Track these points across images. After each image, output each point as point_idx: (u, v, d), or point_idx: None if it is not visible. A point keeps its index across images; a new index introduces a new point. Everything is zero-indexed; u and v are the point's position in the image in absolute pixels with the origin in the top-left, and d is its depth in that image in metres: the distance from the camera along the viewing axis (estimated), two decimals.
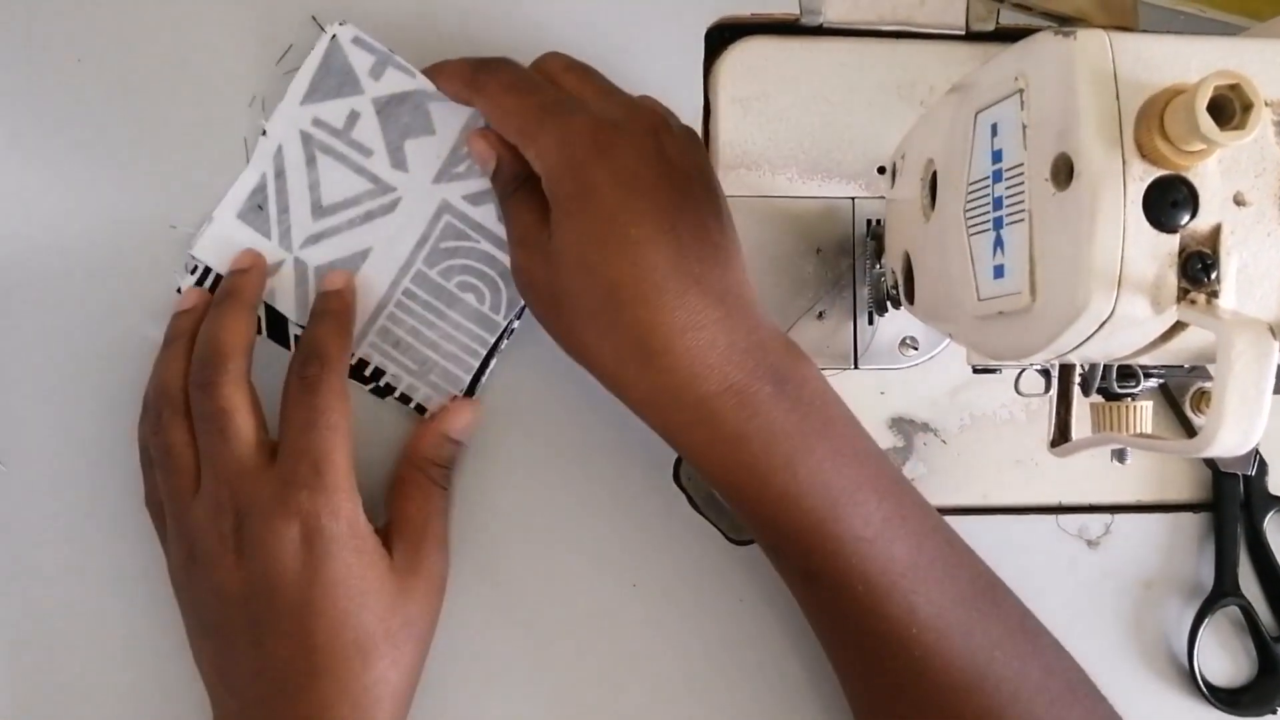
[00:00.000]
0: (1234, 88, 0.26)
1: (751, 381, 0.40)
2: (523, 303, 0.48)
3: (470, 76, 0.45)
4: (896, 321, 0.50)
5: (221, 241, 0.47)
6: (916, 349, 0.51)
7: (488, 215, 0.48)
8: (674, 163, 0.42)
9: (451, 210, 0.48)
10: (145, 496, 0.46)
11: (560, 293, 0.42)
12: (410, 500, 0.45)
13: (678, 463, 0.50)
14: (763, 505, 0.42)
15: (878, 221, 0.50)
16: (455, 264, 0.48)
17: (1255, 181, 0.29)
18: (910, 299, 0.42)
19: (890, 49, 0.52)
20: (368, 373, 0.48)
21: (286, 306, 0.47)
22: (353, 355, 0.47)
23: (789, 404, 0.41)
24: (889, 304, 0.48)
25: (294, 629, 0.41)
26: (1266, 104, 0.28)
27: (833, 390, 0.43)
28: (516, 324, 0.48)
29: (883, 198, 0.51)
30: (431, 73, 0.47)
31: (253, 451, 0.42)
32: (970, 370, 0.45)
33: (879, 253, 0.49)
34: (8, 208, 0.48)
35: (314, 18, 0.47)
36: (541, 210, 0.43)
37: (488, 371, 0.48)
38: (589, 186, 0.41)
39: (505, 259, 0.48)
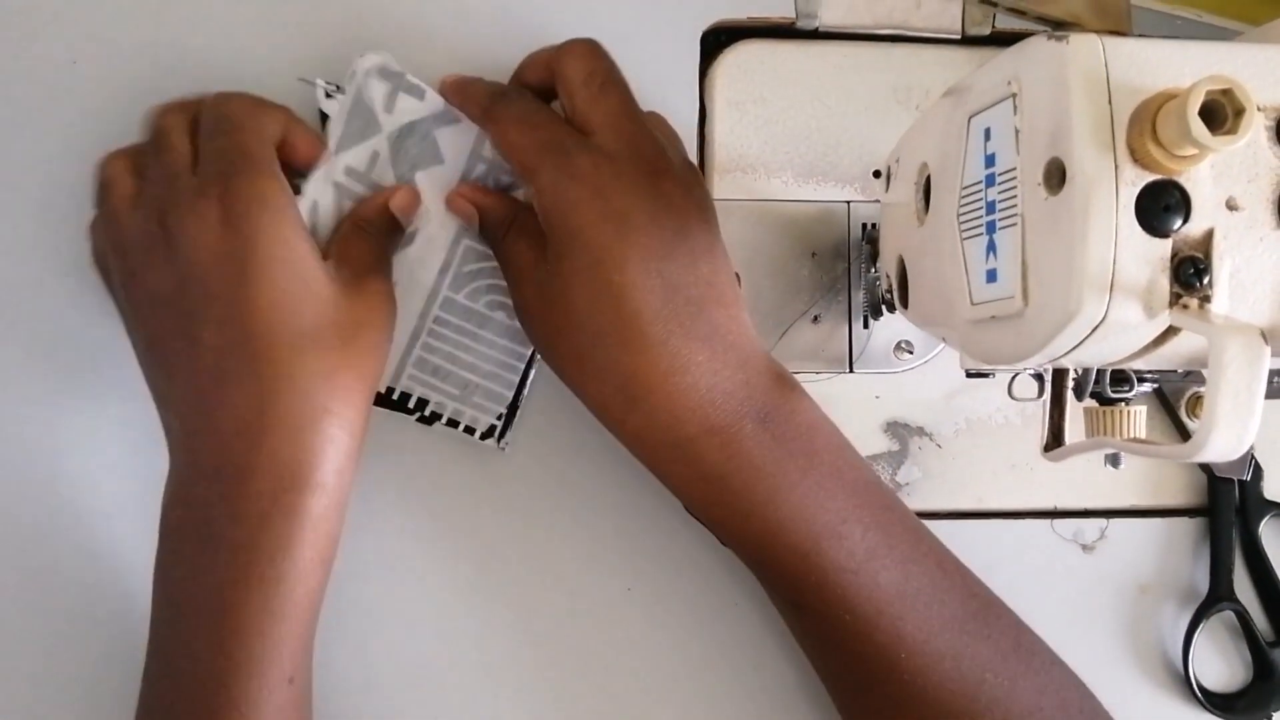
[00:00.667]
0: (1226, 93, 0.26)
1: (733, 422, 0.41)
2: None
3: (486, 104, 0.45)
4: (891, 326, 0.50)
5: None
6: (911, 353, 0.51)
7: None
8: (670, 202, 0.42)
9: (469, 234, 0.48)
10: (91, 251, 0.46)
11: (554, 330, 0.43)
12: (351, 245, 0.44)
13: None
14: (746, 540, 0.43)
15: (873, 225, 0.50)
16: (480, 285, 0.48)
17: (1248, 186, 0.29)
18: (905, 303, 0.42)
19: (886, 53, 0.52)
20: (411, 404, 0.48)
21: None
22: (394, 390, 0.48)
23: (771, 441, 0.41)
24: (884, 308, 0.48)
25: (227, 314, 0.40)
26: (1259, 109, 0.29)
27: (825, 420, 0.43)
28: None
29: (878, 202, 0.51)
30: (452, 89, 0.47)
31: (184, 159, 0.42)
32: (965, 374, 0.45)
33: (874, 257, 0.48)
34: (2, 210, 0.48)
35: (301, 79, 0.47)
36: (538, 247, 0.43)
37: (528, 382, 0.49)
38: (579, 229, 0.41)
39: None
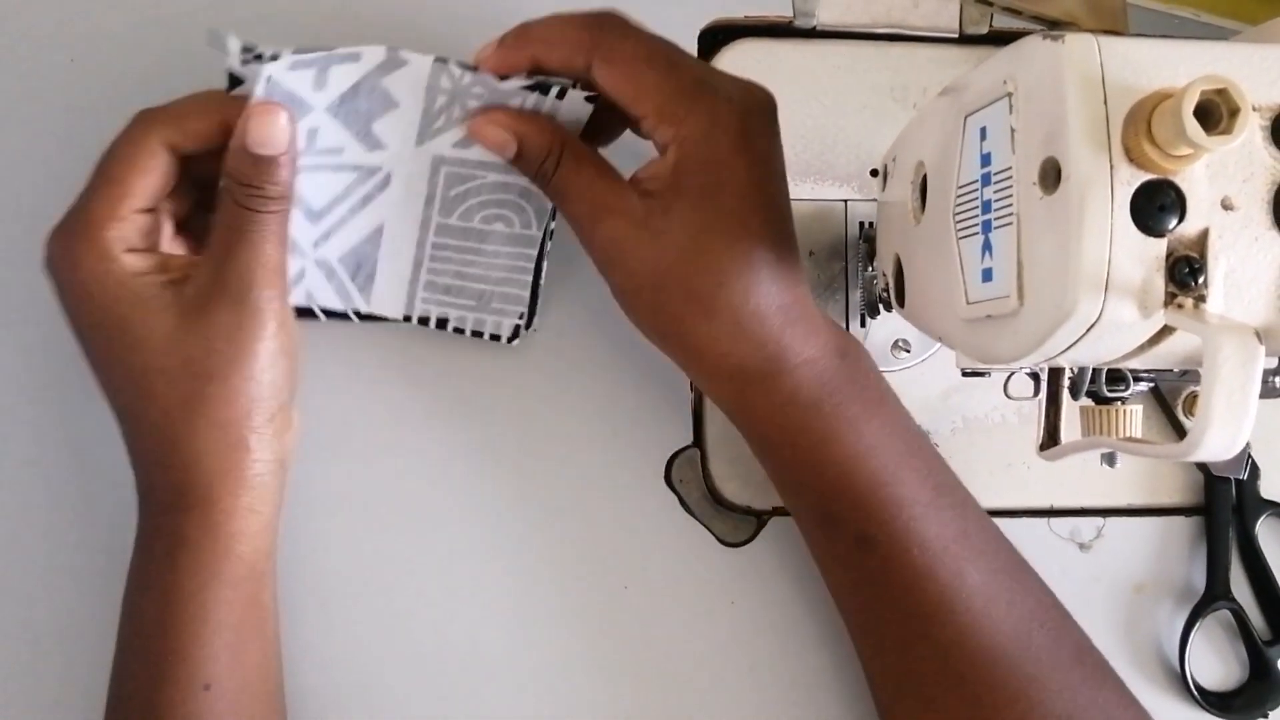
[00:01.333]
0: (1221, 92, 0.26)
1: (824, 354, 0.42)
2: (551, 206, 0.47)
3: (589, 42, 0.41)
4: (888, 324, 0.50)
5: None
6: (909, 351, 0.51)
7: (482, 151, 0.46)
8: (782, 153, 0.43)
9: (447, 161, 0.46)
10: None
11: (663, 271, 0.41)
12: (218, 226, 0.42)
13: (669, 465, 0.50)
14: (825, 469, 0.43)
15: (869, 224, 0.50)
16: (472, 204, 0.47)
17: (1243, 186, 0.29)
18: (901, 302, 0.42)
19: (884, 51, 0.52)
20: (432, 325, 0.49)
21: (331, 301, 0.48)
22: (410, 318, 0.49)
23: (852, 374, 0.43)
24: (880, 307, 0.48)
25: (94, 374, 0.42)
26: (1254, 108, 0.29)
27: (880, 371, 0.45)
28: (553, 225, 0.48)
29: (875, 200, 0.51)
30: (513, 42, 0.42)
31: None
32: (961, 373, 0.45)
33: (870, 255, 0.49)
34: (6, 210, 0.48)
35: (211, 39, 0.40)
36: (609, 175, 0.43)
37: (544, 274, 0.49)
38: (724, 180, 0.41)
39: (515, 180, 0.47)
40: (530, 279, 0.49)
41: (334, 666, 0.47)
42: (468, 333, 0.49)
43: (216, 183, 0.42)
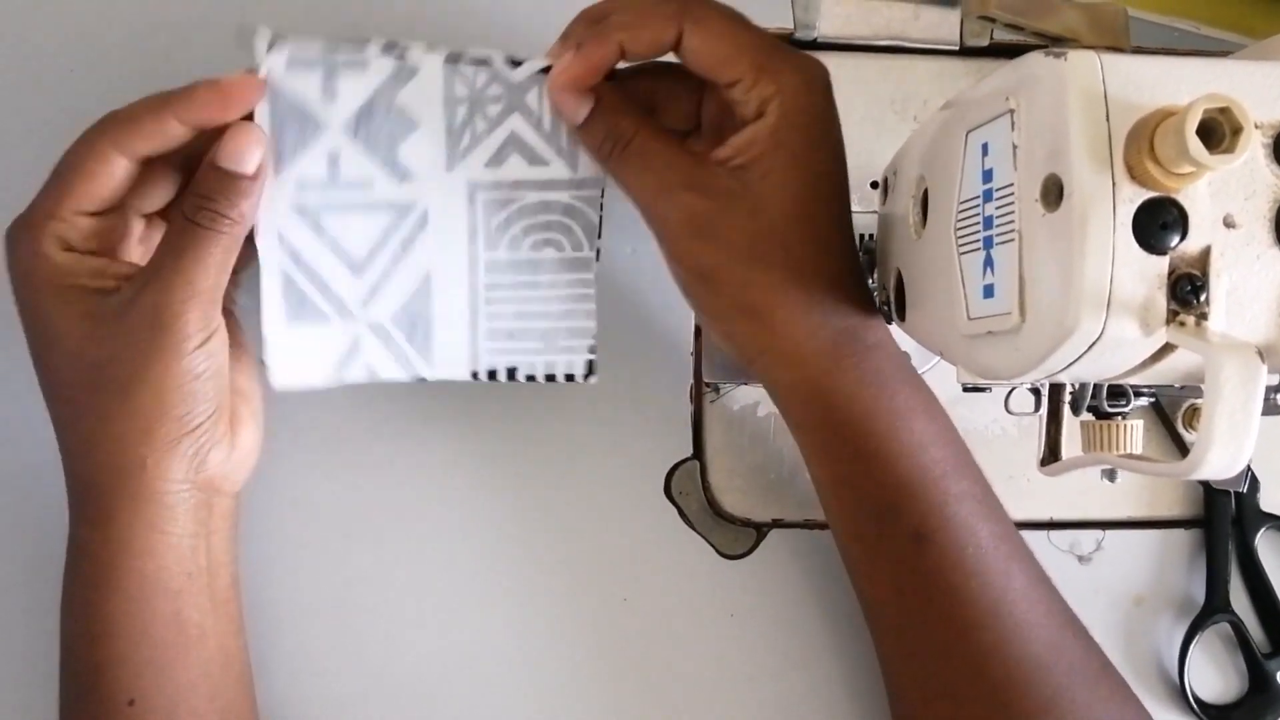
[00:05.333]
0: (1224, 111, 0.26)
1: (889, 339, 0.42)
2: (598, 222, 0.45)
3: (677, 12, 0.40)
4: None
5: (291, 354, 0.43)
6: None
7: (517, 168, 0.44)
8: None
9: (482, 186, 0.44)
10: None
11: (761, 240, 0.40)
12: (161, 241, 0.41)
13: (669, 477, 0.50)
14: (891, 458, 0.41)
15: (870, 237, 0.50)
16: (516, 231, 0.45)
17: (1245, 204, 0.29)
18: (901, 316, 0.42)
19: (884, 64, 0.52)
20: (502, 377, 0.45)
21: (392, 372, 0.45)
22: (477, 374, 0.45)
23: (909, 365, 0.43)
24: None
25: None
26: (1256, 126, 0.29)
27: None
28: (599, 244, 0.46)
29: (875, 214, 0.51)
30: (604, 34, 0.40)
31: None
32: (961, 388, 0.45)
33: (871, 269, 0.48)
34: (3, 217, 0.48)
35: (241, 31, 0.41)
36: (686, 150, 0.41)
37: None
38: (821, 137, 0.41)
39: (555, 197, 0.45)
40: (593, 306, 0.46)
41: (332, 679, 0.47)
42: (540, 378, 0.46)
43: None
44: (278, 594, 0.47)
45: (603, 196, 0.45)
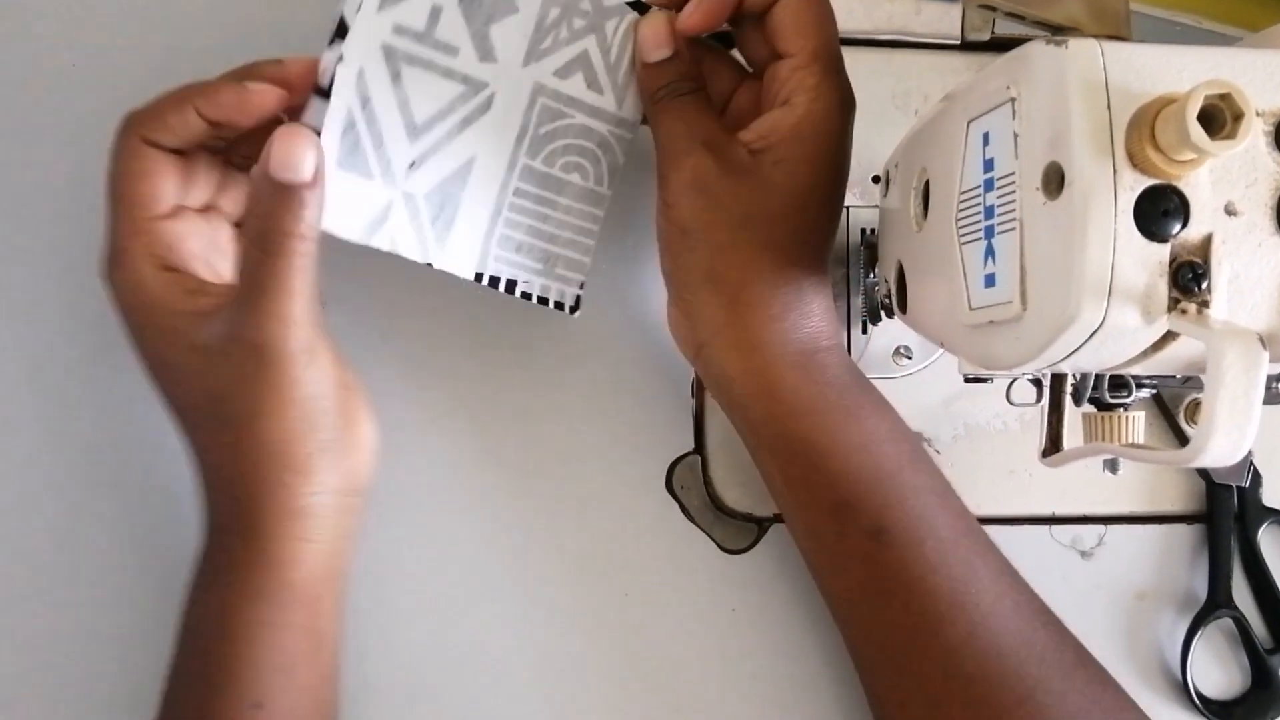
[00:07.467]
0: (1225, 97, 0.26)
1: (842, 343, 0.44)
2: (621, 165, 0.47)
3: None
4: (890, 331, 0.50)
5: (329, 197, 0.40)
6: (910, 358, 0.51)
7: (576, 86, 0.45)
8: None
9: (545, 91, 0.44)
10: None
11: (753, 213, 0.42)
12: (239, 265, 0.39)
13: (670, 471, 0.50)
14: (851, 453, 0.42)
15: (871, 231, 0.50)
16: (556, 147, 0.45)
17: (1246, 191, 0.29)
18: (903, 308, 0.42)
19: (886, 58, 0.52)
20: (501, 286, 0.46)
21: (410, 249, 0.43)
22: (481, 275, 0.45)
23: (859, 369, 0.44)
24: (882, 314, 0.48)
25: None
26: (1257, 114, 0.29)
27: None
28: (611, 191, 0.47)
29: (877, 207, 0.51)
30: None
31: None
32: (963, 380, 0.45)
33: (873, 262, 0.48)
34: (9, 212, 0.48)
35: None
36: (719, 122, 0.43)
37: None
38: (834, 147, 0.43)
39: (597, 125, 0.46)
40: (594, 243, 0.47)
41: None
42: (534, 298, 0.47)
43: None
44: None
45: (630, 143, 0.46)
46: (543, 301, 0.47)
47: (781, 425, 0.43)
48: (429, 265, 0.44)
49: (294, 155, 0.37)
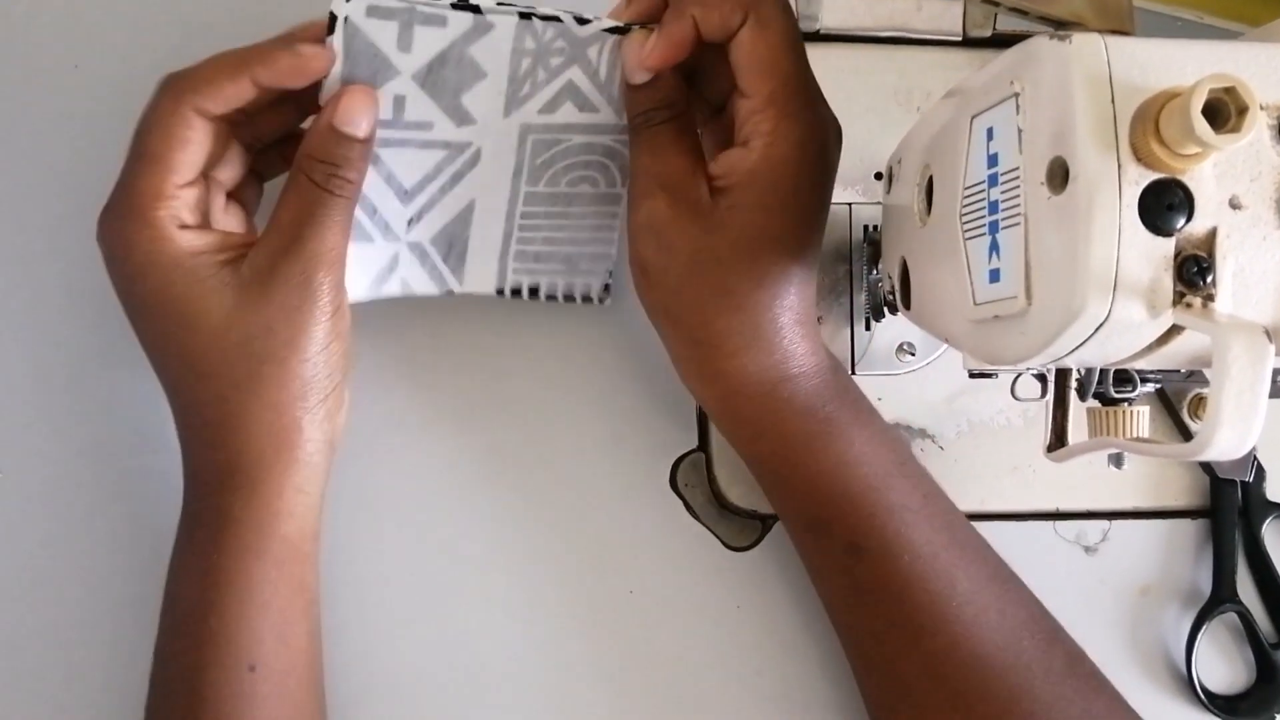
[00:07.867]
0: (1229, 91, 0.26)
1: (819, 368, 0.43)
2: None
3: (750, 2, 0.41)
4: (893, 327, 0.50)
5: None
6: (914, 355, 0.51)
7: (567, 114, 0.45)
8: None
9: (533, 129, 0.45)
10: None
11: (704, 257, 0.41)
12: (285, 205, 0.41)
13: (675, 469, 0.50)
14: (816, 476, 0.43)
15: (874, 227, 0.50)
16: (558, 169, 0.46)
17: (1251, 185, 0.29)
18: (907, 304, 0.42)
19: (887, 55, 0.52)
20: (525, 294, 0.48)
21: (425, 286, 0.47)
22: (502, 290, 0.48)
23: (843, 387, 0.44)
24: (886, 310, 0.48)
25: (147, 354, 0.42)
26: (1262, 107, 0.29)
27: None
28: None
29: (880, 203, 0.51)
30: (680, 10, 0.41)
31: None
32: (967, 376, 0.45)
33: (876, 258, 0.49)
34: (9, 212, 0.48)
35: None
36: (691, 154, 0.42)
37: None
38: (797, 188, 0.41)
39: (598, 140, 0.46)
40: (616, 235, 0.48)
41: (334, 672, 0.47)
42: (559, 298, 0.49)
43: (266, 149, 0.44)
44: None
45: None
46: (569, 299, 0.48)
47: (748, 447, 0.45)
48: (450, 293, 0.47)
49: (356, 112, 0.41)
